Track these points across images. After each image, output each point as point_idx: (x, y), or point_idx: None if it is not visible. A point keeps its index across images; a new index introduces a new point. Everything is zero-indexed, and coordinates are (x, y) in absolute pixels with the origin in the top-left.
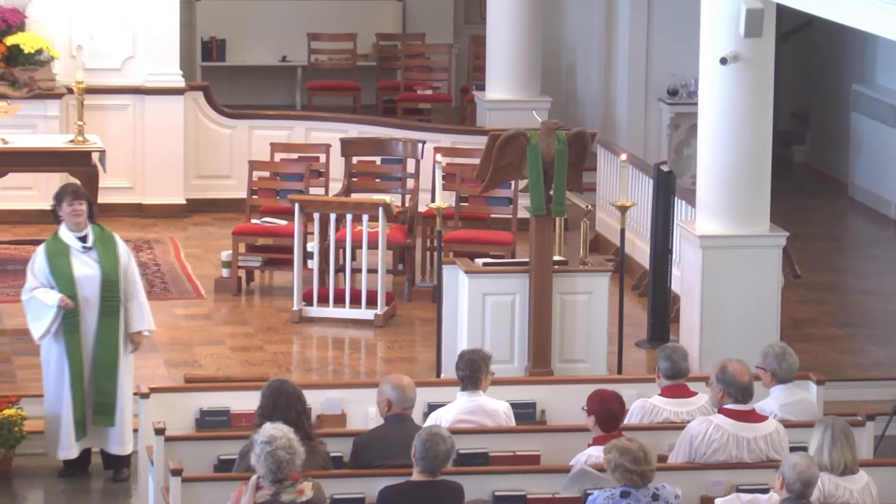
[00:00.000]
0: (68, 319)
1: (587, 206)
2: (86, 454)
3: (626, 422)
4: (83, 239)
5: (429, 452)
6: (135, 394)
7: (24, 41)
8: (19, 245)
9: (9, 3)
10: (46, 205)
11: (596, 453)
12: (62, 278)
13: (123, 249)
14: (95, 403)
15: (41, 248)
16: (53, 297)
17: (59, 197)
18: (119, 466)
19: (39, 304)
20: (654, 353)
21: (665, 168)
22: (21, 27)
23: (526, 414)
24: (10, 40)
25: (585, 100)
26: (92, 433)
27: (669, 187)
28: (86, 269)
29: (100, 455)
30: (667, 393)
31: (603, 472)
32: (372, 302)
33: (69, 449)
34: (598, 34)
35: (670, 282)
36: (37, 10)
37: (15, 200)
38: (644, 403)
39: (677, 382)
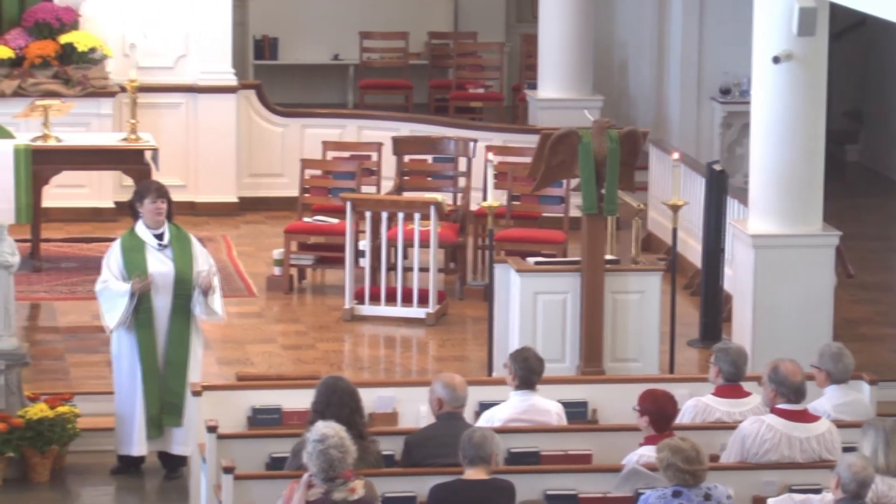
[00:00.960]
0: (141, 315)
1: (639, 205)
2: None
3: (678, 421)
4: (160, 237)
5: (467, 445)
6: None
7: (78, 39)
8: (72, 243)
9: (63, 1)
10: (100, 203)
11: (648, 452)
12: (136, 274)
13: (200, 250)
14: (165, 403)
15: (117, 243)
16: (125, 286)
17: (141, 193)
18: (176, 466)
19: (112, 293)
20: (707, 353)
21: (717, 167)
22: (75, 25)
23: (577, 413)
24: (64, 38)
25: (637, 98)
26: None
27: (722, 186)
28: (160, 265)
29: (156, 453)
30: (720, 393)
31: (655, 471)
32: (423, 300)
33: (141, 445)
34: (650, 32)
35: (722, 281)
36: (90, 8)
37: (68, 198)
38: (697, 403)
39: (734, 384)
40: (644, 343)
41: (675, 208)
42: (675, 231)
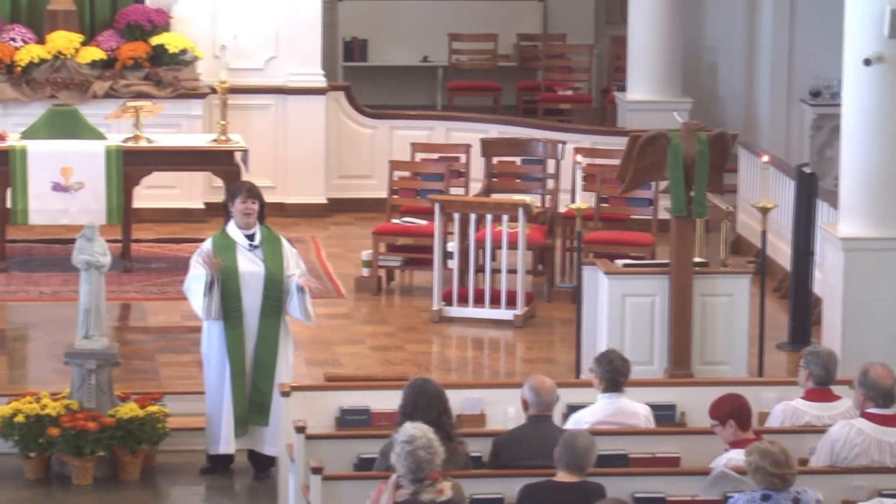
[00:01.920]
0: (231, 314)
1: (728, 208)
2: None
3: (767, 424)
4: (250, 237)
5: (568, 448)
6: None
7: (169, 41)
8: (163, 243)
9: (154, 3)
10: (190, 204)
11: (736, 456)
12: (227, 273)
13: (290, 252)
14: (252, 402)
15: (208, 241)
16: (201, 270)
17: (233, 193)
18: (265, 466)
19: (192, 279)
20: (796, 356)
21: (807, 169)
22: (166, 27)
23: (665, 416)
24: (156, 40)
25: (727, 101)
26: (249, 432)
27: (811, 189)
28: (251, 266)
29: (246, 453)
30: (810, 396)
31: (743, 474)
32: (511, 302)
33: (227, 444)
34: (739, 34)
35: (812, 284)
36: (181, 10)
37: (158, 199)
38: (786, 406)
39: (824, 388)
40: (733, 346)
41: (765, 211)
42: (764, 234)
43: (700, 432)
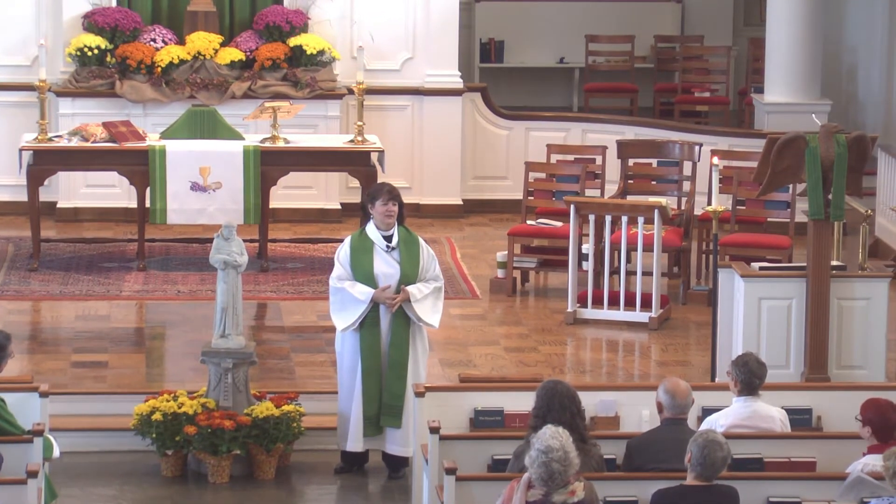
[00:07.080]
0: (367, 315)
1: (867, 211)
2: (364, 451)
3: None
4: (388, 238)
5: (706, 459)
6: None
7: (307, 42)
8: (299, 243)
9: (293, 4)
10: (326, 204)
11: (873, 461)
12: (361, 273)
13: (428, 254)
14: (383, 404)
15: (347, 241)
16: (366, 293)
17: (373, 195)
18: (398, 466)
19: (349, 296)
20: None
21: None
22: (304, 28)
23: (802, 420)
24: (294, 41)
25: (866, 103)
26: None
27: None
28: (386, 267)
29: (380, 453)
30: None
31: (881, 480)
32: (646, 305)
33: (356, 442)
34: (880, 36)
35: None
36: (319, 11)
37: (295, 199)
38: None
39: None
40: (870, 350)
41: None
42: None
43: (837, 437)
